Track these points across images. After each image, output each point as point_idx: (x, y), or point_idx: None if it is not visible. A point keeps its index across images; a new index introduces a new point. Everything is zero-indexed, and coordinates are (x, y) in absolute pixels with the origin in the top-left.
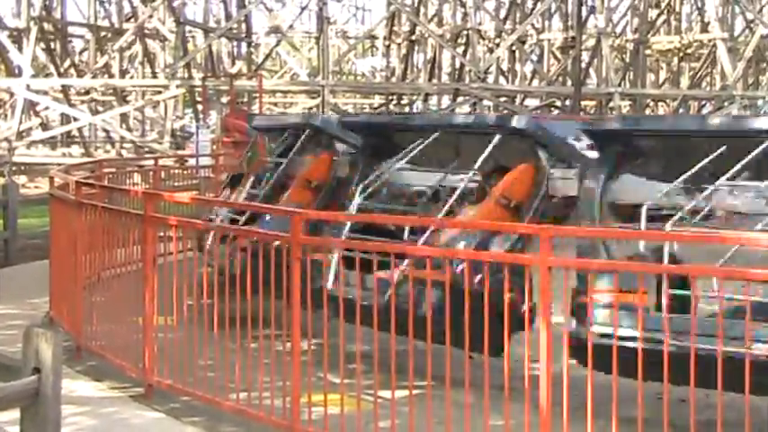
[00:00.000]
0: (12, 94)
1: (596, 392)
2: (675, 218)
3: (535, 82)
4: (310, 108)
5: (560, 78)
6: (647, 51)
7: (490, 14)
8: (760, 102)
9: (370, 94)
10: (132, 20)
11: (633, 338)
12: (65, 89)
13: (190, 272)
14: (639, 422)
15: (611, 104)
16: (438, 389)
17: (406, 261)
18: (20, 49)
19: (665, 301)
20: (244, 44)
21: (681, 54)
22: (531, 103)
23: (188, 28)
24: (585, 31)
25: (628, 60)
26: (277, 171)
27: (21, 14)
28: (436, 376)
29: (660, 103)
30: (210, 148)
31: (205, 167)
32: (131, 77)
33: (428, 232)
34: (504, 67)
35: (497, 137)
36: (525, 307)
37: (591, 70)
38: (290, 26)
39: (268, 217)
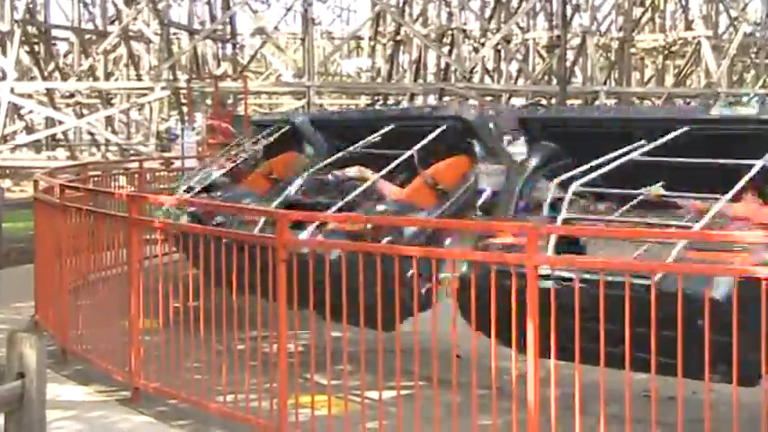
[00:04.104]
0: None
1: (584, 390)
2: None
3: (520, 81)
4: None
5: (546, 77)
6: (632, 49)
7: (475, 14)
8: (744, 99)
9: (355, 95)
10: (116, 22)
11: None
12: (49, 92)
13: (175, 274)
14: (627, 420)
15: (596, 103)
16: (426, 389)
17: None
18: (3, 52)
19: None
20: (229, 46)
21: (665, 52)
22: (517, 102)
23: (173, 30)
24: (570, 29)
25: (613, 59)
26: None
27: (4, 17)
28: (424, 376)
29: (645, 101)
30: (196, 150)
31: (191, 169)
32: (116, 80)
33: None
34: (490, 66)
35: (444, 126)
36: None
37: (576, 69)
38: (275, 27)
39: None
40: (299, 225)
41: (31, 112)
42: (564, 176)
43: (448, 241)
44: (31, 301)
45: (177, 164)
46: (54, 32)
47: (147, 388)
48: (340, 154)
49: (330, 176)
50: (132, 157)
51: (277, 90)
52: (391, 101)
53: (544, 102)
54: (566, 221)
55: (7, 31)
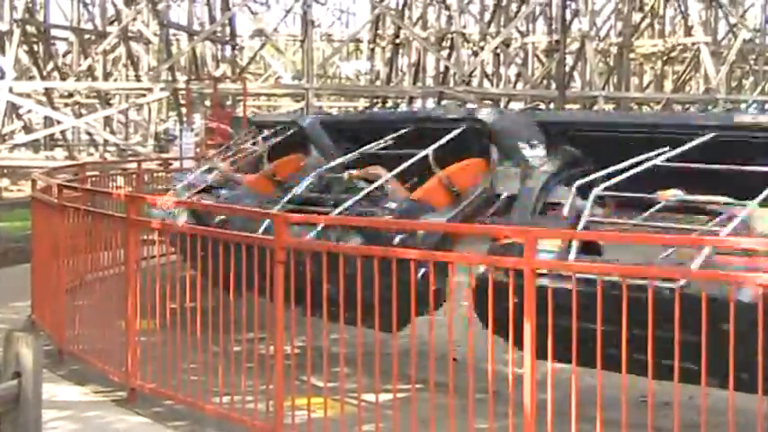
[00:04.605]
0: None
1: (580, 395)
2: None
3: (519, 85)
4: (296, 110)
5: (544, 82)
6: (631, 55)
7: (474, 18)
8: (743, 105)
9: (354, 97)
10: (116, 23)
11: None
12: (48, 92)
13: (173, 275)
14: (624, 425)
15: (595, 108)
16: (422, 391)
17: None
18: (2, 51)
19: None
20: (228, 47)
21: (665, 58)
22: (516, 106)
23: (172, 31)
24: (570, 34)
25: (612, 64)
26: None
27: (3, 17)
28: (420, 379)
29: (644, 107)
30: (194, 152)
31: (188, 170)
32: (115, 80)
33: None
34: (489, 70)
35: (461, 128)
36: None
37: (575, 74)
38: (275, 29)
39: None
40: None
41: (29, 111)
42: (583, 180)
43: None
44: (27, 301)
45: (175, 165)
46: (53, 32)
47: (143, 388)
48: (353, 154)
49: (340, 175)
50: (130, 158)
51: (276, 92)
52: (389, 104)
53: (542, 106)
54: (588, 225)
55: (6, 31)
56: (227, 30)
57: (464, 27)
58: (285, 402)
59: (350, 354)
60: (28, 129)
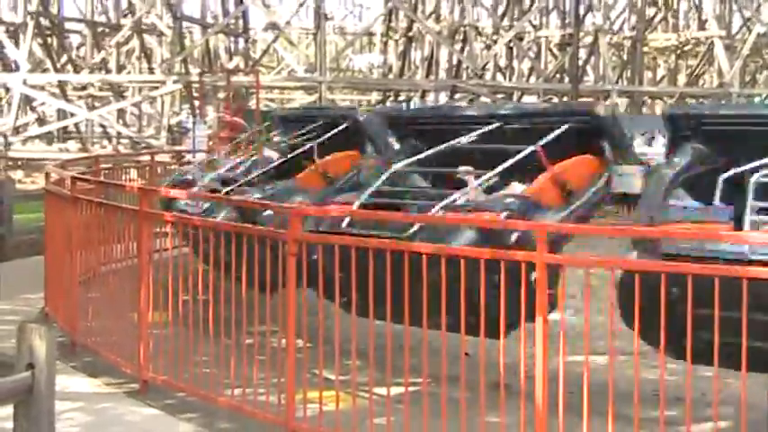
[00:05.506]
0: (8, 90)
1: (592, 389)
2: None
3: (533, 79)
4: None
5: (558, 75)
6: (645, 49)
7: (488, 11)
8: (757, 99)
9: (367, 91)
10: (129, 15)
11: None
12: (61, 84)
13: (185, 267)
14: (635, 420)
15: (608, 101)
16: (434, 386)
17: None
18: (16, 44)
19: None
20: (241, 40)
21: (678, 51)
22: (529, 99)
23: (185, 23)
24: (583, 28)
25: (625, 58)
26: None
27: (17, 9)
28: (432, 373)
29: (657, 101)
30: (207, 144)
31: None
32: (128, 73)
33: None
34: (502, 63)
35: (344, 125)
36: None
37: (588, 67)
38: (288, 22)
39: None
40: None
41: (43, 103)
42: (402, 163)
43: None
44: (40, 293)
45: (188, 157)
46: (67, 25)
47: (155, 381)
48: (281, 144)
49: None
50: (143, 150)
51: (289, 85)
52: (402, 97)
53: (556, 100)
54: (373, 194)
55: (21, 23)
56: (241, 22)
57: (477, 20)
58: (297, 395)
59: (361, 347)
60: (41, 121)
